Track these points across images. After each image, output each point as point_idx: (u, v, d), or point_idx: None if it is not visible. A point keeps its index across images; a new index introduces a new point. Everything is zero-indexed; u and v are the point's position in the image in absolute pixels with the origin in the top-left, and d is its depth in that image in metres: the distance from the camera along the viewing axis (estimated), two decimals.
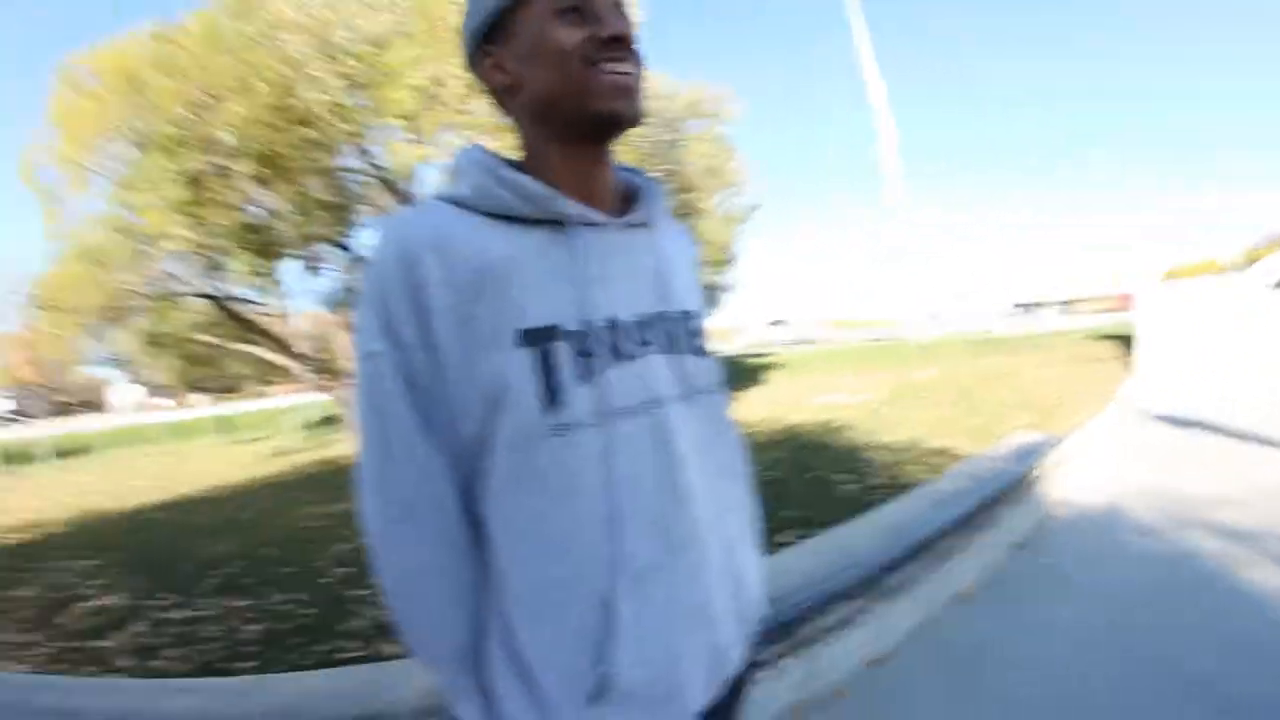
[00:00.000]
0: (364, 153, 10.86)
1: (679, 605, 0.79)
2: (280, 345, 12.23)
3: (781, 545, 3.11)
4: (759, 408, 10.72)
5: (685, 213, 13.06)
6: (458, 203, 0.80)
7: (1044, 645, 2.56)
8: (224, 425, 21.14)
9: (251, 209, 9.58)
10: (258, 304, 12.11)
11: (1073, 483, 4.34)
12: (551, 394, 0.74)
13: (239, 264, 10.56)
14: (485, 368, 0.74)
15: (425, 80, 8.66)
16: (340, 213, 10.41)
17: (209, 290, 10.87)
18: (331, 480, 9.35)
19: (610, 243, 0.82)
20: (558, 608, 0.75)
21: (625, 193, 0.91)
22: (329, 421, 21.82)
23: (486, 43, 0.83)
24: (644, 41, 0.84)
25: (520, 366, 0.73)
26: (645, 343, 0.82)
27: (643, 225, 0.87)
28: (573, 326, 0.76)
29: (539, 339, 0.74)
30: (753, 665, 0.93)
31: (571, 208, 0.79)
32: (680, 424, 0.82)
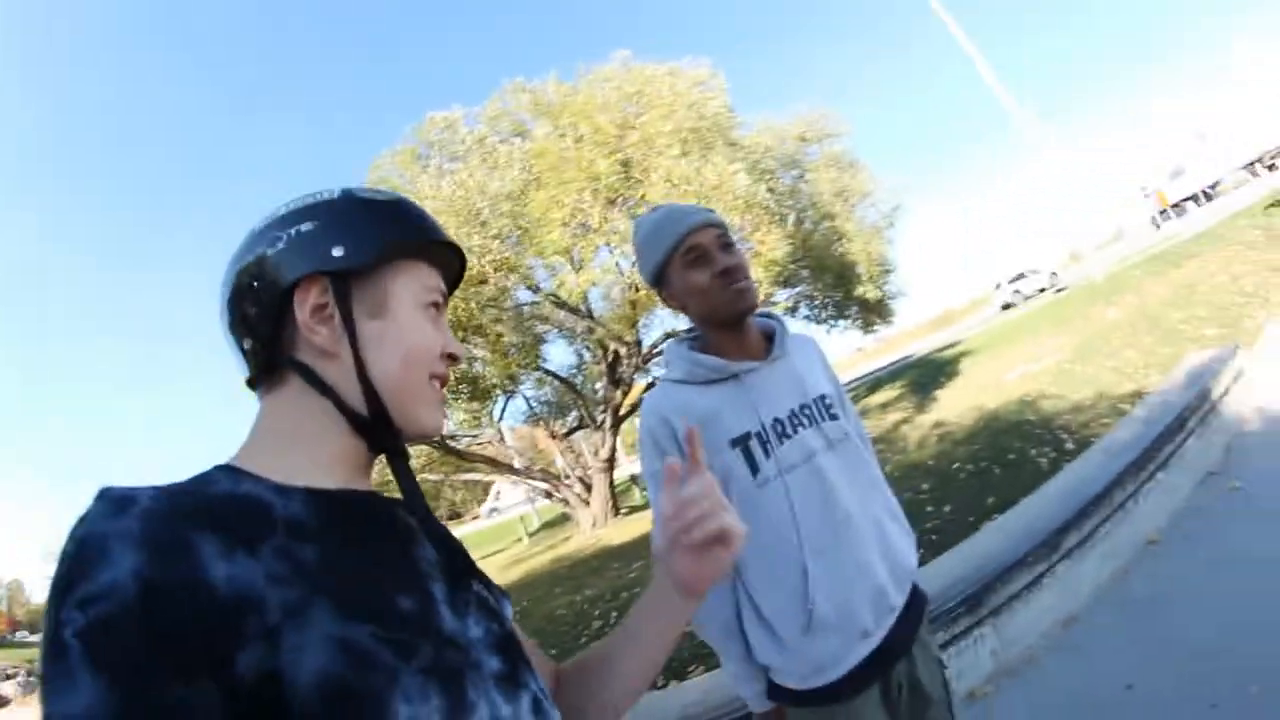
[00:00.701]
0: (536, 289, 12.27)
1: (846, 565, 1.33)
2: (498, 465, 13.65)
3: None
4: (958, 400, 10.52)
5: (830, 243, 13.21)
6: (679, 380, 1.46)
7: (1231, 580, 2.60)
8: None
9: (463, 365, 10.99)
10: (471, 435, 13.76)
11: (1261, 395, 4.20)
12: (753, 469, 1.37)
13: (460, 413, 12.34)
14: (716, 464, 1.37)
15: (566, 214, 9.76)
16: (530, 343, 11.63)
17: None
18: (569, 574, 10.35)
19: (764, 375, 1.43)
20: (777, 579, 1.35)
21: (766, 332, 1.54)
22: (549, 526, 23.46)
23: (661, 287, 1.50)
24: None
25: (736, 459, 1.37)
26: (797, 424, 1.41)
27: (780, 357, 1.46)
28: (755, 430, 1.38)
29: (740, 442, 1.37)
30: (917, 612, 1.45)
31: (736, 366, 1.41)
32: (828, 463, 1.40)
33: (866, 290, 13.13)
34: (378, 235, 0.71)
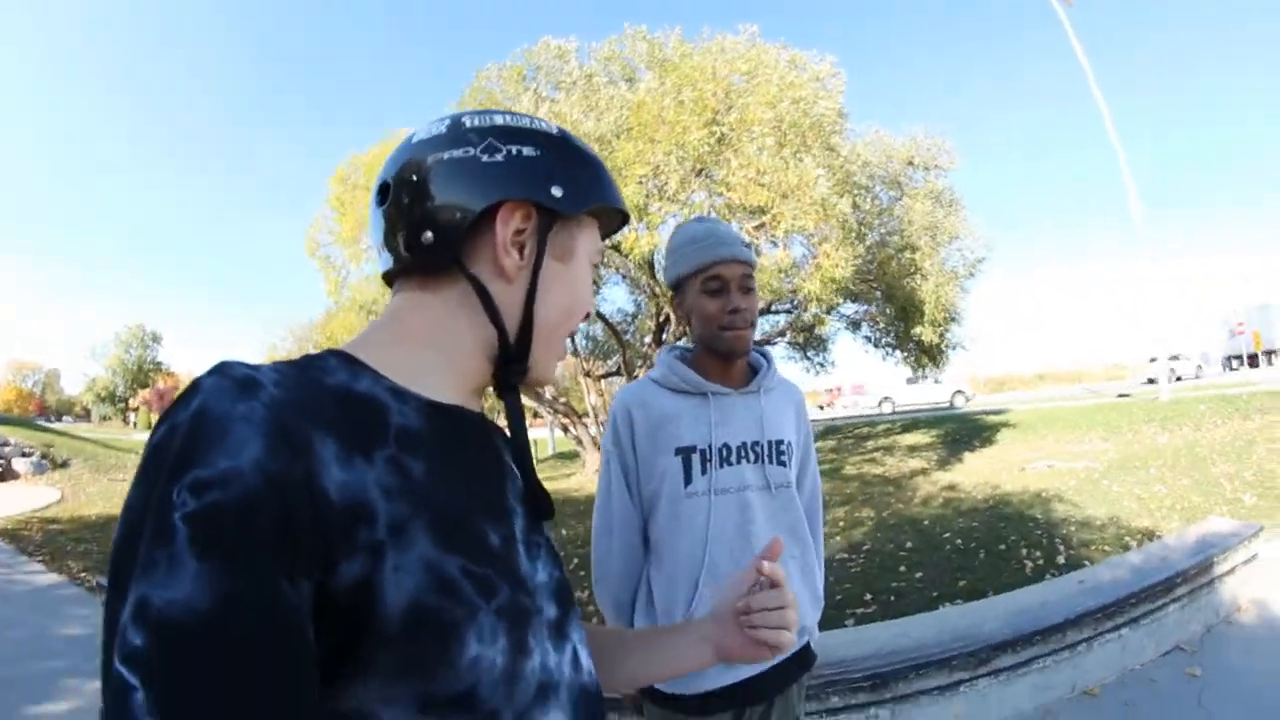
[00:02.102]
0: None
1: None
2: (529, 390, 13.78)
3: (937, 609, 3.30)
4: (976, 472, 10.30)
5: (904, 274, 12.83)
6: (654, 380, 1.57)
7: None
8: None
9: None
10: None
11: (1265, 588, 3.92)
12: (687, 479, 1.48)
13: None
14: (658, 463, 1.49)
15: (647, 171, 9.60)
16: None
17: None
18: (562, 508, 10.45)
19: (730, 402, 1.53)
20: (674, 583, 1.48)
21: (754, 365, 1.62)
22: (563, 457, 23.87)
23: (675, 292, 1.60)
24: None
25: (675, 464, 1.48)
26: (742, 456, 1.50)
27: (754, 391, 1.55)
28: (701, 446, 1.48)
29: (683, 451, 1.48)
30: (794, 667, 1.54)
31: (708, 386, 1.52)
32: (757, 501, 1.50)
33: (925, 332, 12.72)
34: (590, 191, 0.71)
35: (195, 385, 0.50)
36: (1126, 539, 5.39)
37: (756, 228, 10.06)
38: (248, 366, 0.52)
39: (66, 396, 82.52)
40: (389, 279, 0.72)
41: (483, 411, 0.72)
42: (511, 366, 0.70)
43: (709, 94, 9.74)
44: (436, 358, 0.67)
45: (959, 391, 27.16)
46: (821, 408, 41.21)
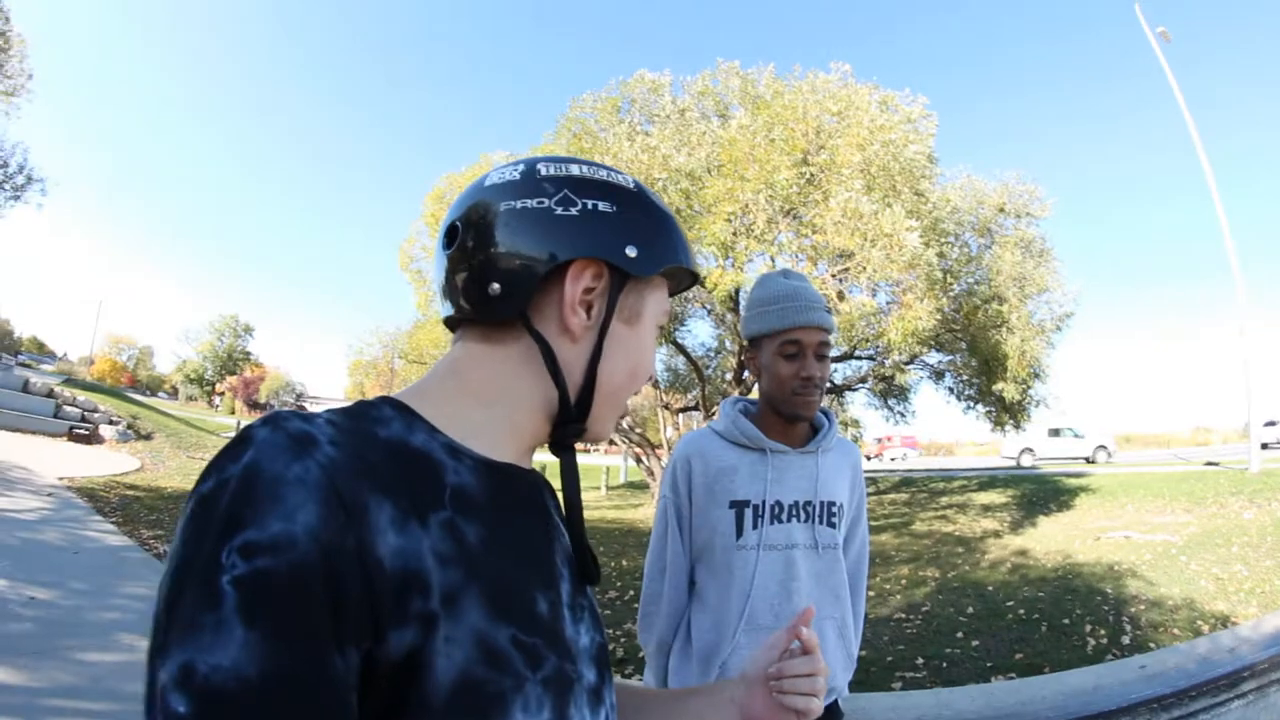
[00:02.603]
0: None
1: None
2: None
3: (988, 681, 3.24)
4: (1049, 538, 9.89)
5: (990, 326, 12.51)
6: (716, 432, 1.63)
7: None
8: (544, 470, 23.88)
9: None
10: None
11: None
12: (739, 532, 1.53)
13: None
14: (712, 514, 1.55)
15: (736, 209, 9.69)
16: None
17: None
18: (619, 538, 10.80)
19: (789, 461, 1.58)
20: (715, 629, 1.54)
21: (815, 425, 1.66)
22: (634, 486, 23.98)
23: (750, 345, 1.64)
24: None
25: (727, 517, 1.54)
26: (793, 515, 1.55)
27: (812, 452, 1.59)
28: (756, 502, 1.54)
29: (738, 505, 1.54)
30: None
31: (768, 444, 1.57)
32: (803, 560, 1.55)
33: (1007, 388, 12.34)
34: (664, 252, 0.69)
35: (247, 436, 0.49)
36: (1199, 623, 5.11)
37: (841, 271, 10.01)
38: (302, 419, 0.51)
39: (157, 373, 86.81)
40: (450, 324, 0.71)
41: (534, 470, 0.70)
42: (570, 426, 0.68)
43: (799, 133, 9.79)
44: (494, 415, 0.65)
45: (1101, 447, 25.86)
46: (869, 457, 39.74)
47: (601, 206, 0.66)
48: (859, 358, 14.44)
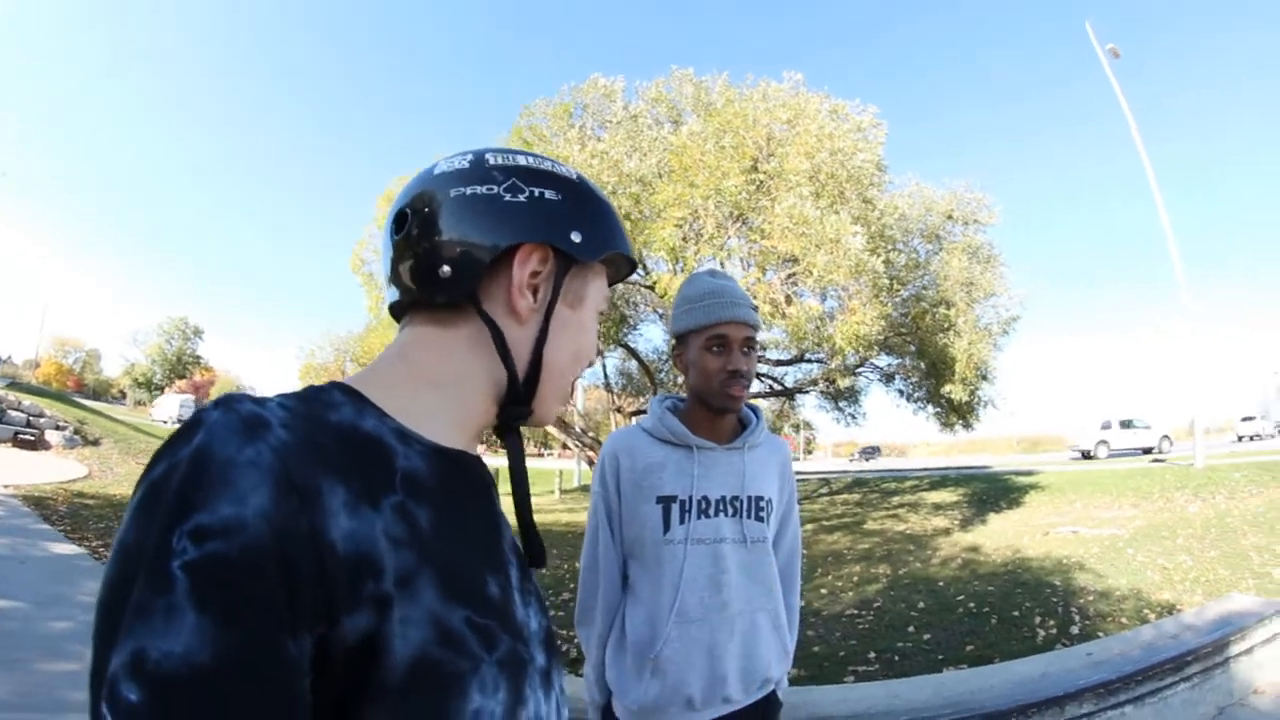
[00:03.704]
0: (646, 270, 12.33)
1: (699, 641, 1.51)
2: (556, 419, 13.86)
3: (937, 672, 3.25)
4: (999, 534, 10.10)
5: (938, 330, 12.73)
6: (644, 429, 1.63)
7: None
8: (498, 475, 23.83)
9: None
10: None
11: None
12: (666, 527, 1.54)
13: None
14: (640, 509, 1.56)
15: (686, 214, 9.73)
16: (613, 321, 11.67)
17: None
18: (573, 540, 10.64)
19: (714, 457, 1.59)
20: (646, 622, 1.54)
21: (743, 420, 1.67)
22: (587, 490, 23.96)
23: (677, 342, 1.65)
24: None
25: (655, 512, 1.54)
26: (720, 509, 1.56)
27: (739, 448, 1.61)
28: (682, 497, 1.54)
29: (665, 501, 1.55)
30: (758, 716, 1.59)
31: (694, 440, 1.58)
32: (731, 554, 1.55)
33: (955, 390, 12.56)
34: (606, 239, 0.72)
35: (198, 419, 0.48)
36: (1145, 612, 5.25)
37: (789, 276, 10.11)
38: (254, 402, 0.51)
39: (105, 377, 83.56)
40: (396, 312, 0.72)
41: (480, 457, 0.70)
42: (517, 408, 0.70)
43: (749, 141, 9.90)
44: (443, 399, 0.66)
45: (1165, 437, 26.56)
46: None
47: (548, 194, 0.68)
48: (809, 361, 14.62)
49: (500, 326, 0.67)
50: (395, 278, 0.68)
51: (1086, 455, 26.60)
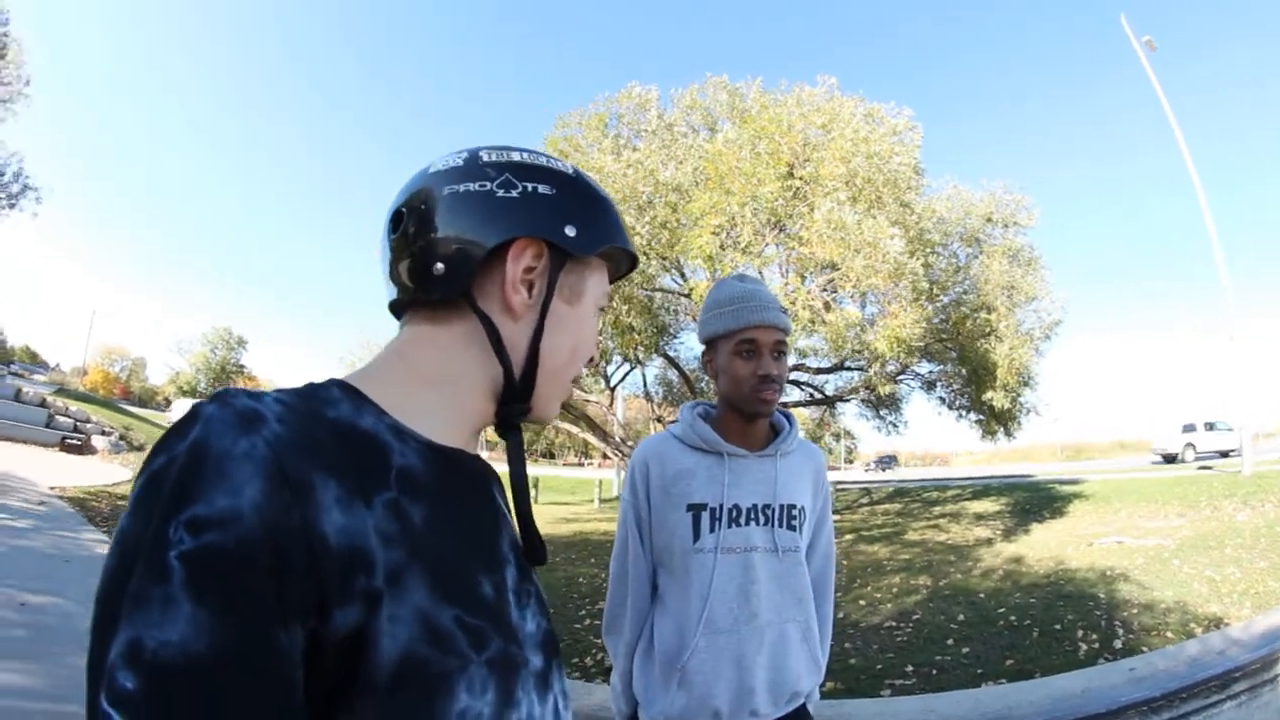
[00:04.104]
0: (685, 277, 12.35)
1: (727, 652, 1.49)
2: (595, 428, 13.98)
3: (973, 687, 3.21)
4: (1041, 545, 9.86)
5: (979, 335, 12.54)
6: (674, 436, 1.63)
7: None
8: (537, 485, 23.97)
9: None
10: (583, 392, 14.08)
11: None
12: (695, 535, 1.52)
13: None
14: (670, 517, 1.55)
15: (722, 221, 9.72)
16: (652, 330, 11.69)
17: None
18: (601, 548, 10.49)
19: (746, 465, 1.57)
20: (675, 631, 1.53)
21: (776, 427, 1.66)
22: None
23: (707, 348, 1.64)
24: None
25: (685, 520, 1.53)
26: (751, 518, 1.54)
27: (771, 455, 1.59)
28: (713, 505, 1.53)
29: (695, 509, 1.53)
30: None
31: (725, 447, 1.56)
32: (762, 563, 1.53)
33: (996, 397, 12.35)
34: (602, 233, 0.72)
35: (195, 413, 0.49)
36: (1192, 625, 5.10)
37: (828, 282, 10.04)
38: (250, 396, 0.52)
39: (150, 385, 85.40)
40: (395, 310, 0.73)
41: (479, 457, 0.71)
42: (514, 405, 0.70)
43: (784, 147, 9.84)
44: (440, 397, 0.66)
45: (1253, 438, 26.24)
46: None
47: (542, 189, 0.68)
48: (849, 369, 14.45)
49: (495, 323, 0.67)
50: (393, 276, 0.69)
51: (1170, 460, 25.86)
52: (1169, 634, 4.94)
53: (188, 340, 77.24)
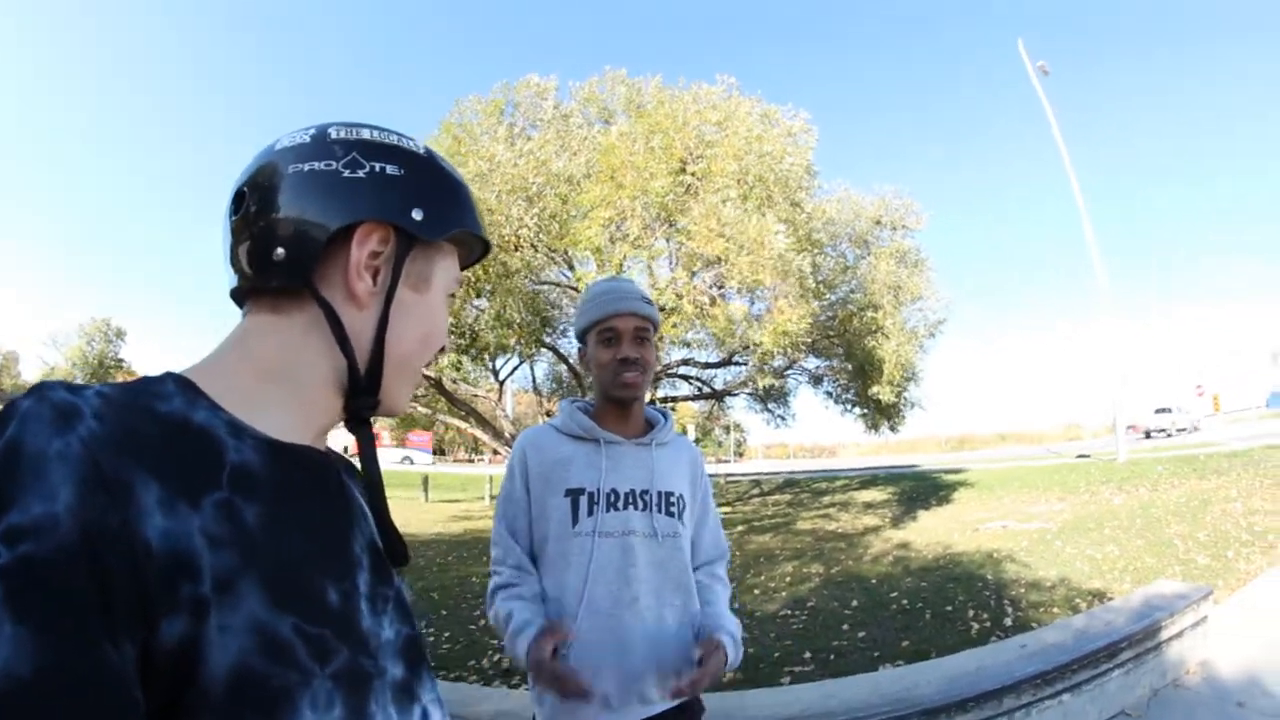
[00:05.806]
0: (572, 268, 12.14)
1: (609, 636, 1.49)
2: (485, 423, 13.60)
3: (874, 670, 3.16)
4: (929, 531, 10.25)
5: (865, 332, 12.89)
6: (554, 426, 1.66)
7: None
8: (430, 482, 23.47)
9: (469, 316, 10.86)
10: (471, 387, 13.69)
11: (1214, 649, 3.86)
12: (575, 519, 1.54)
13: (447, 358, 12.16)
14: (549, 502, 1.57)
15: (612, 214, 9.58)
16: (536, 324, 11.46)
17: (427, 372, 12.38)
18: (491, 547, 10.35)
19: (624, 451, 1.61)
20: (558, 613, 1.51)
21: (651, 421, 1.71)
22: None
23: (581, 343, 1.69)
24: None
25: (563, 505, 1.55)
26: (629, 503, 1.57)
27: (647, 444, 1.63)
28: (590, 489, 1.55)
29: (573, 493, 1.56)
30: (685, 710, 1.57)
31: (602, 434, 1.60)
32: (641, 547, 1.55)
33: (882, 391, 12.74)
34: (452, 217, 0.68)
35: (11, 409, 0.45)
36: (1077, 601, 5.33)
37: (716, 277, 10.06)
38: (69, 390, 0.47)
39: (24, 381, 79.08)
40: (237, 298, 0.67)
41: (331, 451, 0.67)
42: (362, 399, 0.65)
43: (678, 142, 9.80)
44: (282, 391, 0.61)
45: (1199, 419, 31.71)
46: None
47: (389, 170, 0.64)
48: (738, 364, 14.65)
49: (339, 312, 0.63)
50: (233, 261, 0.63)
51: (1149, 435, 31.22)
52: (1055, 610, 5.13)
53: (62, 333, 71.27)
